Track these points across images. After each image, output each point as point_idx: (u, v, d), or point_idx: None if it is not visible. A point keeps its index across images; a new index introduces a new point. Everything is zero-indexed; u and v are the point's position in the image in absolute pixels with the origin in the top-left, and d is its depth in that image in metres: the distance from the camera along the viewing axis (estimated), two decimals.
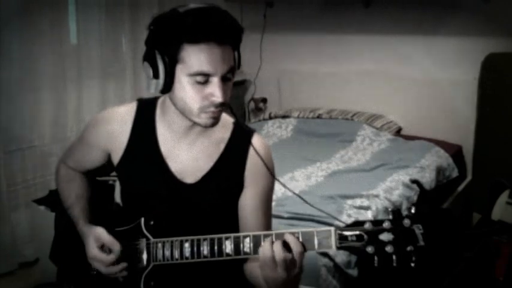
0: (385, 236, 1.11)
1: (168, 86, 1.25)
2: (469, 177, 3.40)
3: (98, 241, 1.34)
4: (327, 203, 2.34)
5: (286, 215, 2.18)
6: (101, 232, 1.34)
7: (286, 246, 1.16)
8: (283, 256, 1.14)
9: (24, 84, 2.70)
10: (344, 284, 2.04)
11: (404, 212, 1.13)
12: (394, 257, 1.10)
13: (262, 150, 1.38)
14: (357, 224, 1.14)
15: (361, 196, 2.46)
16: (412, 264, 1.09)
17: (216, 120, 1.28)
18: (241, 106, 4.15)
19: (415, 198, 2.67)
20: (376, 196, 2.48)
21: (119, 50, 3.26)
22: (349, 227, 1.15)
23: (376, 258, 1.11)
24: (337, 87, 3.77)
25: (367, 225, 1.13)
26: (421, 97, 3.50)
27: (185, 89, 1.23)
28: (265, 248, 1.16)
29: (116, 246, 1.32)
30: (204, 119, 1.26)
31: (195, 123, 1.30)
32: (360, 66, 3.69)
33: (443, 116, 3.45)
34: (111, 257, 1.32)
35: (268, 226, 1.41)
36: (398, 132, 3.56)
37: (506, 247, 2.48)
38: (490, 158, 3.14)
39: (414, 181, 2.75)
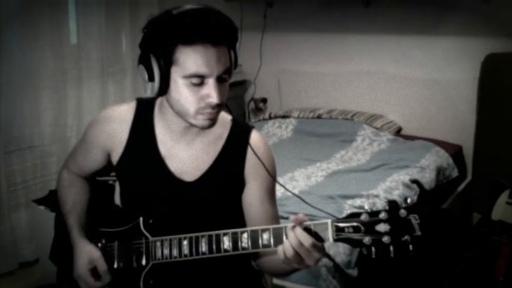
0: (381, 227, 1.11)
1: (163, 89, 1.24)
2: (469, 177, 3.40)
3: (92, 264, 1.34)
4: (327, 203, 2.34)
5: (286, 215, 2.18)
6: (98, 257, 1.34)
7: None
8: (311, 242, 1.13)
9: (24, 84, 2.70)
10: (344, 284, 2.04)
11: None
12: (391, 247, 1.10)
13: (261, 145, 1.39)
14: (354, 215, 1.14)
15: (361, 196, 2.46)
16: (410, 254, 1.10)
17: (212, 122, 1.28)
18: (241, 106, 4.15)
19: (415, 198, 2.67)
20: (376, 196, 2.48)
21: (119, 50, 3.26)
22: (346, 218, 1.15)
23: (373, 249, 1.11)
24: (337, 87, 3.77)
25: (363, 217, 1.13)
26: (421, 97, 3.50)
27: (181, 91, 1.23)
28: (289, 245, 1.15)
29: (107, 277, 1.33)
30: (200, 120, 1.26)
31: (192, 125, 1.30)
32: (360, 66, 3.69)
33: (443, 116, 3.45)
34: (98, 285, 1.33)
35: (276, 216, 1.42)
36: (398, 132, 3.56)
37: (506, 247, 2.48)
38: (490, 158, 3.14)
39: (414, 181, 2.75)
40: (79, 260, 1.35)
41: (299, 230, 1.15)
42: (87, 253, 1.35)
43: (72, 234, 1.41)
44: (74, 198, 1.48)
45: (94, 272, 1.34)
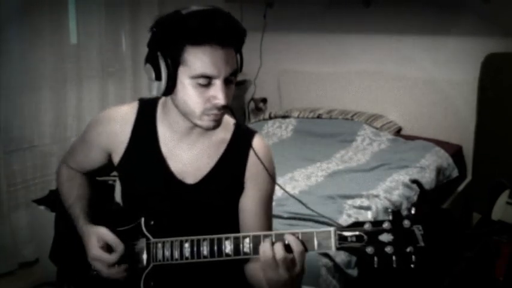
0: (384, 237, 1.11)
1: (170, 89, 1.24)
2: (469, 177, 3.40)
3: (101, 241, 1.33)
4: (327, 203, 2.34)
5: (286, 215, 2.18)
6: (104, 232, 1.34)
7: (286, 246, 1.16)
8: (284, 256, 1.14)
9: (24, 84, 2.71)
10: (344, 284, 2.04)
11: (404, 213, 1.13)
12: (393, 257, 1.10)
13: (263, 151, 1.38)
14: (357, 224, 1.14)
15: (361, 196, 2.46)
16: (412, 265, 1.09)
17: (217, 123, 1.28)
18: (241, 106, 4.15)
19: (415, 198, 2.67)
20: (376, 196, 2.48)
21: (119, 50, 3.26)
22: (349, 227, 1.15)
23: (375, 259, 1.11)
24: (337, 87, 3.77)
25: (366, 226, 1.13)
26: (421, 97, 3.50)
27: (187, 91, 1.23)
28: (265, 248, 1.16)
29: (120, 246, 1.31)
30: (206, 121, 1.26)
31: (196, 126, 1.30)
32: (360, 66, 3.69)
33: (443, 116, 3.45)
34: (114, 257, 1.31)
35: (269, 227, 1.41)
36: (398, 132, 3.56)
37: (506, 247, 2.48)
38: (490, 158, 3.13)
39: (414, 181, 2.75)
40: (89, 243, 1.34)
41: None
42: (94, 233, 1.35)
43: (78, 224, 1.40)
44: (77, 191, 1.49)
45: (106, 248, 1.33)
